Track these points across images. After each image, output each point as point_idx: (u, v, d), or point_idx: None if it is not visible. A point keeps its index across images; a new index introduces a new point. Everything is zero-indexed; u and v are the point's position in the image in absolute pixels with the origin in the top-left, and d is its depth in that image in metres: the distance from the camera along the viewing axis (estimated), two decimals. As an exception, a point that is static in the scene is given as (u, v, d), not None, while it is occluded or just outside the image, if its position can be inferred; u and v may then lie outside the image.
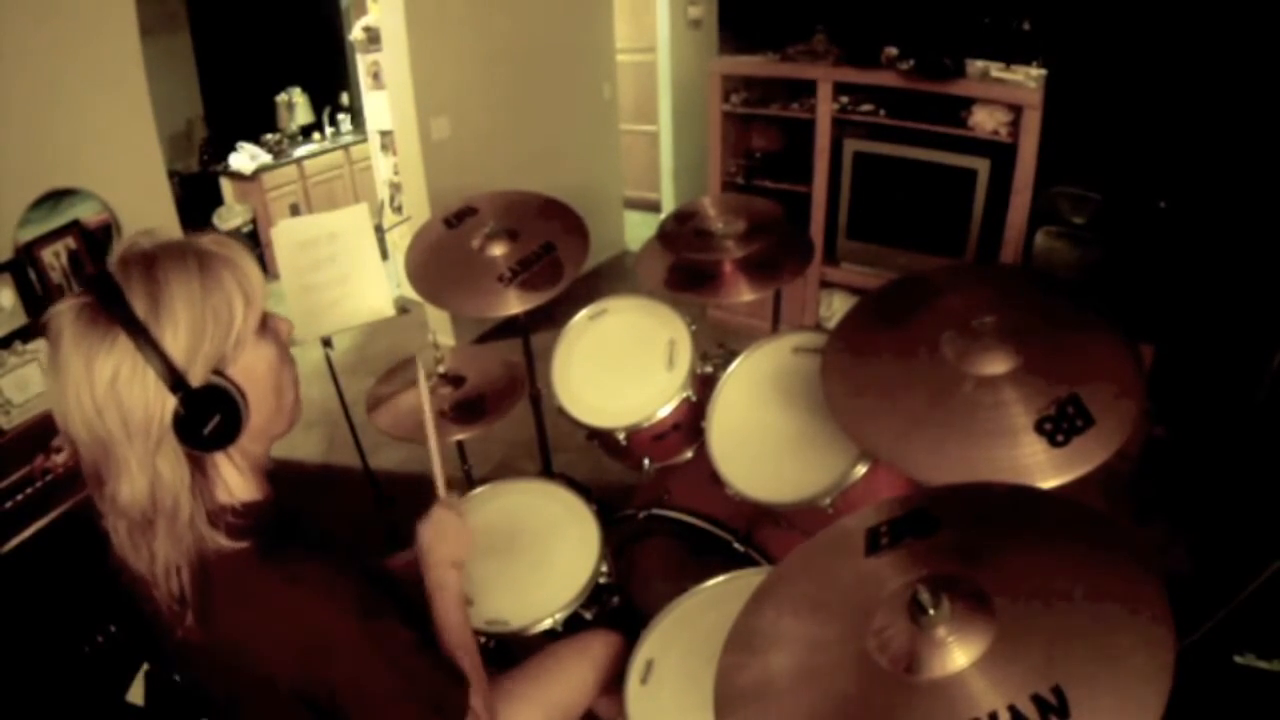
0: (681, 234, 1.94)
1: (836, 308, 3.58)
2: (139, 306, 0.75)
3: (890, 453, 1.20)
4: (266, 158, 4.79)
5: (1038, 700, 0.67)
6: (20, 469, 1.88)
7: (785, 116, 3.47)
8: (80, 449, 0.79)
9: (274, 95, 5.06)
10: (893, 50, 3.09)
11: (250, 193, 4.76)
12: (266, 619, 0.84)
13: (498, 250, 1.86)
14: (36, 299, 2.05)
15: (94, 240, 2.21)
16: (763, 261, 1.90)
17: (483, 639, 1.29)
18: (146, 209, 2.33)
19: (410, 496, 1.20)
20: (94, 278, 0.78)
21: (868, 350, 1.34)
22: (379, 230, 2.33)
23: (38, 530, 1.78)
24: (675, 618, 1.27)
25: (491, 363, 2.03)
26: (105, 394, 0.75)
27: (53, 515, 1.81)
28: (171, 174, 3.42)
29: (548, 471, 2.26)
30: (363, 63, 4.08)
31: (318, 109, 5.22)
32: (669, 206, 5.16)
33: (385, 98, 3.63)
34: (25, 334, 2.01)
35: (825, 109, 3.24)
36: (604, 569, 1.39)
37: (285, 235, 2.12)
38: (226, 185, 4.81)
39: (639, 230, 4.95)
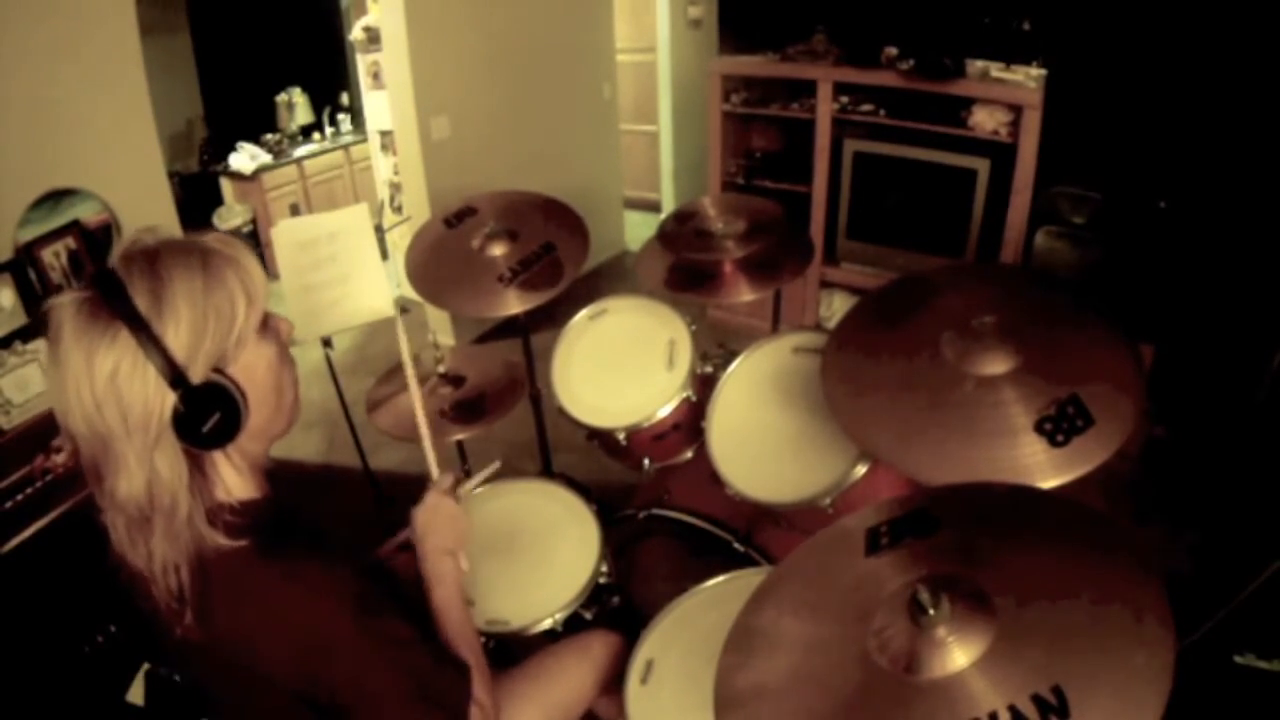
0: (681, 234, 1.94)
1: (836, 308, 3.58)
2: (141, 302, 0.76)
3: (890, 453, 1.20)
4: (266, 158, 4.79)
5: (1038, 700, 0.67)
6: (20, 469, 1.88)
7: (785, 116, 3.47)
8: (79, 444, 0.79)
9: (274, 95, 5.07)
10: (893, 50, 3.09)
11: (250, 193, 4.76)
12: (265, 617, 0.84)
13: (498, 250, 1.86)
14: (36, 299, 2.05)
15: (94, 240, 2.21)
16: (763, 261, 1.90)
17: (483, 639, 1.29)
18: (146, 209, 2.33)
19: (410, 496, 1.20)
20: (96, 273, 0.78)
21: (867, 350, 1.34)
22: (379, 230, 2.33)
23: (38, 530, 1.78)
24: (675, 618, 1.27)
25: (491, 363, 2.04)
26: (105, 389, 0.75)
27: (53, 515, 1.81)
28: (171, 174, 3.42)
29: (548, 471, 2.26)
30: (363, 63, 4.08)
31: (318, 109, 5.22)
32: (669, 206, 5.16)
33: (385, 98, 3.63)
34: (25, 334, 2.01)
35: (825, 109, 3.24)
36: (604, 569, 1.39)
37: (285, 235, 2.12)
38: (226, 185, 4.81)
39: (639, 230, 4.95)
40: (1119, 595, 0.73)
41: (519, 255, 1.85)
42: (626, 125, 5.02)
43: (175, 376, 0.77)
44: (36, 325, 2.01)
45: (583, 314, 1.83)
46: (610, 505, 1.68)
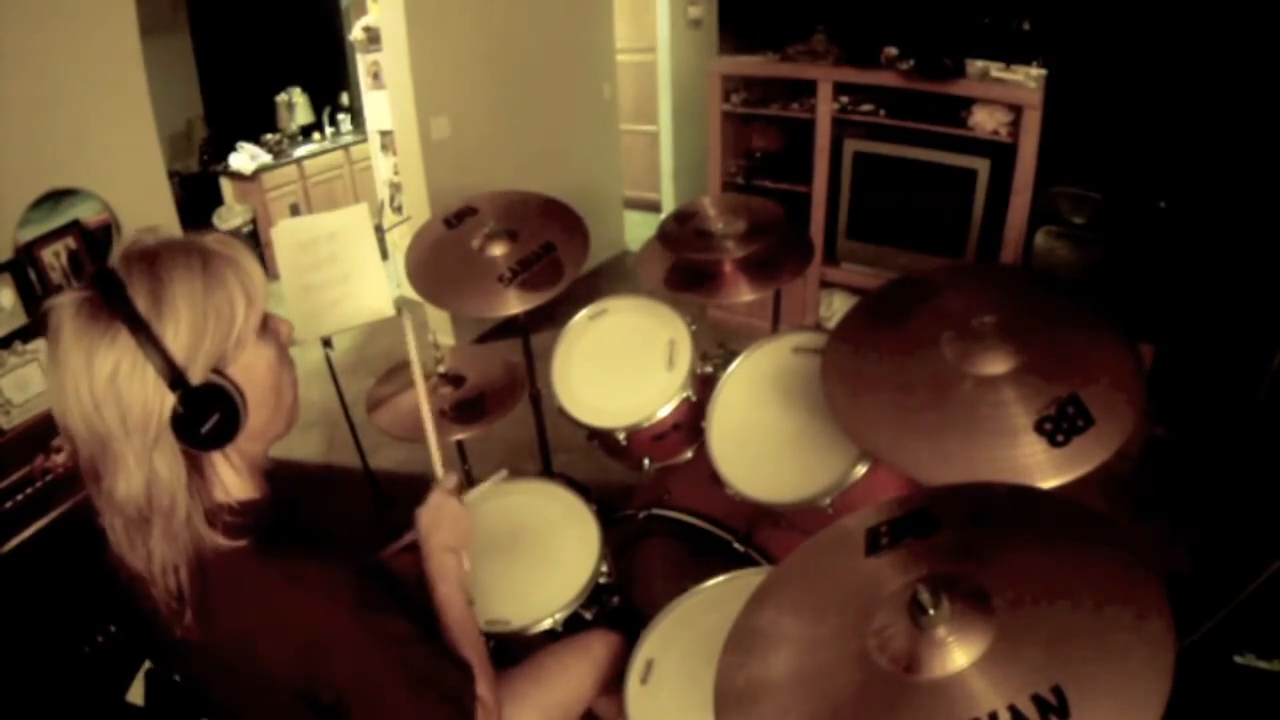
0: (681, 234, 1.94)
1: (836, 308, 3.58)
2: (141, 302, 0.76)
3: (890, 453, 1.20)
4: (266, 158, 4.79)
5: (1038, 700, 0.67)
6: (20, 469, 1.88)
7: (785, 116, 3.47)
8: (78, 444, 0.79)
9: (274, 95, 5.07)
10: (893, 50, 3.09)
11: (250, 193, 4.76)
12: (265, 617, 0.84)
13: (498, 250, 1.86)
14: (36, 299, 2.05)
15: (94, 240, 2.21)
16: (763, 261, 1.90)
17: (483, 639, 1.29)
18: (146, 209, 2.33)
19: (410, 496, 1.20)
20: (96, 273, 0.78)
21: (868, 350, 1.34)
22: (379, 230, 2.33)
23: (38, 530, 1.78)
24: (675, 618, 1.27)
25: (491, 363, 2.04)
26: (104, 389, 0.75)
27: (53, 515, 1.81)
28: (171, 174, 3.42)
29: (548, 471, 2.26)
30: (363, 63, 4.08)
31: (318, 109, 5.22)
32: (669, 206, 5.16)
33: (385, 98, 3.63)
34: (25, 334, 2.01)
35: (825, 109, 3.24)
36: (604, 569, 1.39)
37: (285, 235, 2.11)
38: (226, 185, 4.81)
39: (639, 230, 4.96)
40: (1119, 595, 0.73)
41: (519, 255, 1.85)
42: (626, 125, 5.02)
43: (174, 377, 0.77)
44: (36, 325, 2.01)
45: (583, 314, 1.83)
46: (610, 505, 1.68)
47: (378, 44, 3.55)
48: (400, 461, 2.85)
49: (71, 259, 2.15)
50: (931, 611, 0.74)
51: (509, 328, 2.69)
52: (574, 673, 1.23)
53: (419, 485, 1.21)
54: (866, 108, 3.18)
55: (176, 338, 0.77)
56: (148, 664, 1.69)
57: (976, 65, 2.97)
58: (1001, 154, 2.93)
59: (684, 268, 1.96)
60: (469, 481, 2.08)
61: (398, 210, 4.10)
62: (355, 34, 4.03)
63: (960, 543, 0.86)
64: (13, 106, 2.00)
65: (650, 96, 5.07)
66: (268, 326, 0.87)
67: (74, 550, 1.58)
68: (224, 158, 4.74)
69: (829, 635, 0.85)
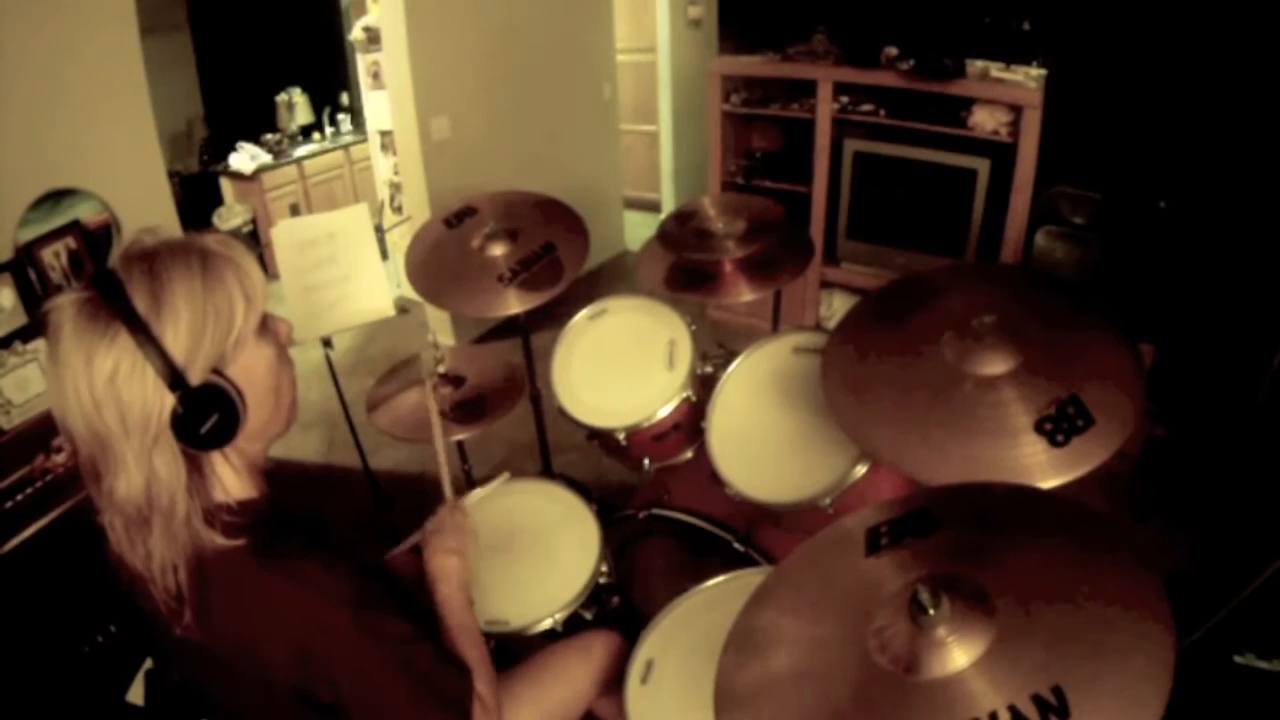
0: (681, 234, 1.94)
1: (836, 308, 3.58)
2: (140, 303, 0.76)
3: (890, 453, 1.20)
4: (266, 158, 4.79)
5: (1038, 700, 0.67)
6: (20, 469, 1.88)
7: (785, 116, 3.47)
8: (78, 444, 0.79)
9: (274, 95, 5.06)
10: (893, 50, 3.09)
11: (250, 193, 4.76)
12: (264, 616, 0.84)
13: (498, 250, 1.86)
14: (36, 299, 2.05)
15: (94, 240, 2.21)
16: (763, 261, 1.90)
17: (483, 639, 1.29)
18: (146, 209, 2.33)
19: (410, 496, 1.21)
20: (96, 273, 0.78)
21: (868, 350, 1.34)
22: (379, 230, 2.33)
23: (38, 530, 1.78)
24: (675, 618, 1.27)
25: (491, 363, 2.03)
26: (104, 389, 0.75)
27: (53, 515, 1.81)
28: (171, 174, 3.42)
29: (548, 471, 2.26)
30: (363, 63, 4.08)
31: (318, 109, 5.22)
32: (669, 206, 5.16)
33: (385, 98, 3.63)
34: (25, 334, 2.01)
35: (825, 109, 3.24)
36: (604, 569, 1.39)
37: (285, 235, 2.12)
38: (226, 185, 4.81)
39: (639, 230, 4.95)
40: (1119, 595, 0.73)
41: (519, 255, 1.85)
42: (626, 125, 5.02)
43: (174, 378, 0.77)
44: (36, 325, 2.01)
45: (583, 314, 1.83)
46: (610, 505, 1.68)
47: (378, 44, 3.55)
48: (400, 461, 2.85)
49: (71, 259, 2.15)
50: (931, 611, 0.74)
51: (509, 328, 2.69)
52: (574, 673, 1.23)
53: (419, 485, 1.21)
54: (866, 108, 3.18)
55: (176, 338, 0.77)
56: (148, 664, 1.70)
57: (976, 65, 2.97)
58: (1001, 154, 2.93)
59: (684, 268, 1.96)
60: (469, 482, 2.08)
61: (398, 210, 4.10)
62: (355, 34, 4.03)
63: (960, 543, 0.86)
64: (13, 106, 2.00)
65: (650, 96, 5.07)
66: (267, 326, 0.87)
67: (74, 550, 1.58)
68: (224, 158, 4.74)
69: (829, 635, 0.85)
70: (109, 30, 2.21)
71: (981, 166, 2.96)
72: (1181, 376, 2.66)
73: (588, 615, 1.37)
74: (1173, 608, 0.69)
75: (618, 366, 1.75)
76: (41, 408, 1.98)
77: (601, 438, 1.72)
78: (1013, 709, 0.68)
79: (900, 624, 0.77)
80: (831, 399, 1.29)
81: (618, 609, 1.41)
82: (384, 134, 4.07)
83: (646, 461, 1.72)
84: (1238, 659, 1.65)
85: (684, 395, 1.63)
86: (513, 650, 1.32)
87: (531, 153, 3.94)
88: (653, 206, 5.40)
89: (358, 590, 0.87)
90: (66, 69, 2.11)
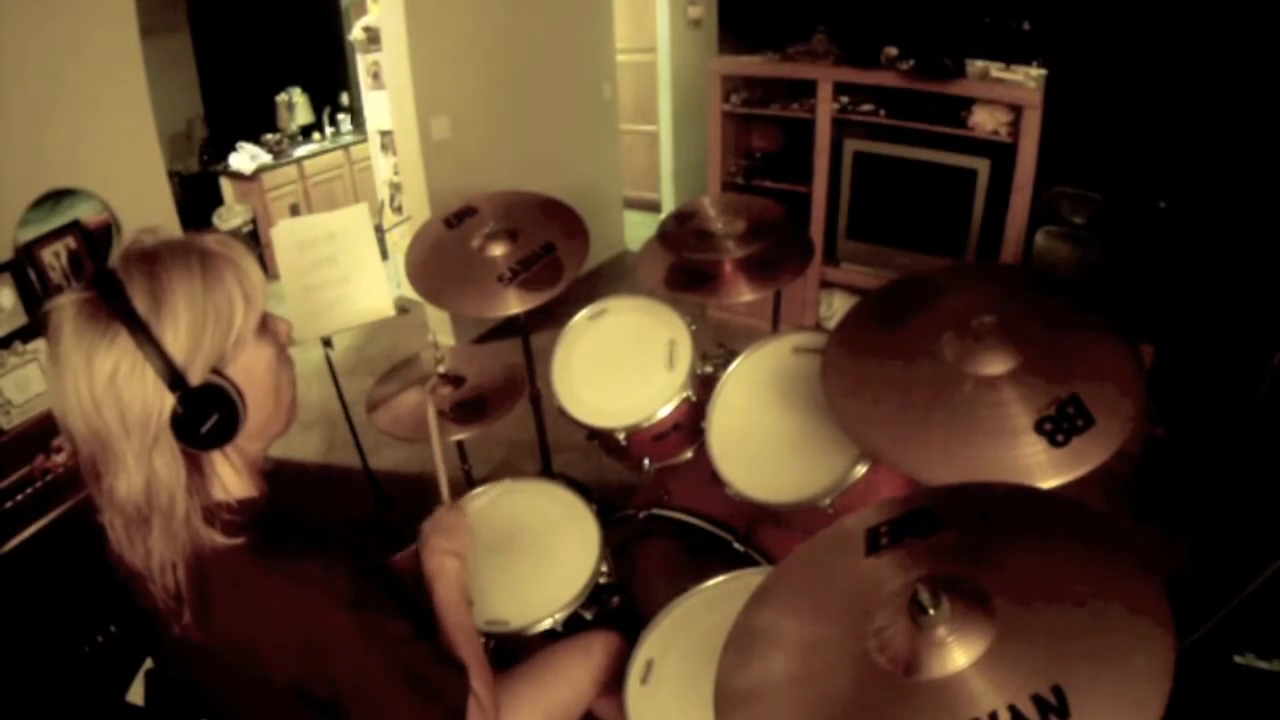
0: (681, 234, 1.94)
1: (836, 308, 3.58)
2: (140, 304, 0.76)
3: (890, 453, 1.20)
4: (266, 158, 4.79)
5: (1038, 700, 0.67)
6: (20, 469, 1.88)
7: (785, 116, 3.47)
8: (78, 443, 0.79)
9: (274, 95, 5.06)
10: (893, 50, 3.09)
11: (250, 193, 4.76)
12: (262, 615, 0.84)
13: (498, 250, 1.86)
14: (36, 299, 2.05)
15: (94, 240, 2.21)
16: (763, 261, 1.90)
17: (483, 639, 1.29)
18: (146, 209, 2.33)
19: (410, 496, 1.21)
20: (96, 274, 0.78)
21: (868, 350, 1.34)
22: (379, 230, 2.33)
23: (38, 530, 1.78)
24: (675, 618, 1.27)
25: (491, 363, 2.03)
26: (104, 389, 0.75)
27: (53, 515, 1.81)
28: (171, 174, 3.42)
29: (548, 471, 2.26)
30: (363, 63, 4.08)
31: (318, 109, 5.22)
32: (669, 206, 5.16)
33: (385, 98, 3.63)
34: (25, 334, 2.01)
35: (825, 109, 3.24)
36: (604, 569, 1.39)
37: (285, 235, 2.12)
38: (226, 185, 4.81)
39: (639, 230, 4.96)
40: (1119, 595, 0.73)
41: (519, 255, 1.85)
42: (626, 125, 5.02)
43: (174, 378, 0.77)
44: (36, 325, 2.01)
45: (583, 314, 1.83)
46: (610, 505, 1.68)
47: (378, 44, 3.55)
48: (400, 461, 2.86)
49: (71, 259, 2.15)
50: (931, 611, 0.74)
51: (509, 328, 2.69)
52: (574, 673, 1.23)
53: (419, 485, 1.22)
54: (866, 108, 3.18)
55: (176, 339, 0.77)
56: (148, 664, 1.70)
57: (976, 65, 2.97)
58: (1001, 154, 2.93)
59: (684, 268, 1.96)
60: (468, 482, 2.08)
61: (398, 210, 4.10)
62: (355, 34, 4.03)
63: (960, 543, 0.86)
64: (13, 106, 2.00)
65: (650, 96, 5.07)
66: (266, 326, 0.87)
67: (74, 550, 1.58)
68: (224, 158, 4.74)
69: (829, 635, 0.85)
70: (109, 30, 2.21)
71: (981, 166, 2.96)
72: (1181, 376, 2.66)
73: (588, 615, 1.36)
74: (1173, 608, 0.69)
75: (618, 366, 1.75)
76: (41, 408, 1.98)
77: (601, 438, 1.72)
78: (1013, 709, 0.68)
79: (900, 624, 0.77)
80: (831, 399, 1.29)
81: (618, 609, 1.41)
82: (384, 134, 4.07)
83: (646, 461, 1.72)
84: (1238, 659, 1.65)
85: (684, 395, 1.63)
86: (513, 650, 1.32)
87: (531, 153, 3.94)
88: (653, 206, 5.40)
89: (357, 590, 0.87)
90: (66, 69, 2.11)
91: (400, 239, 3.99)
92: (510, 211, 1.96)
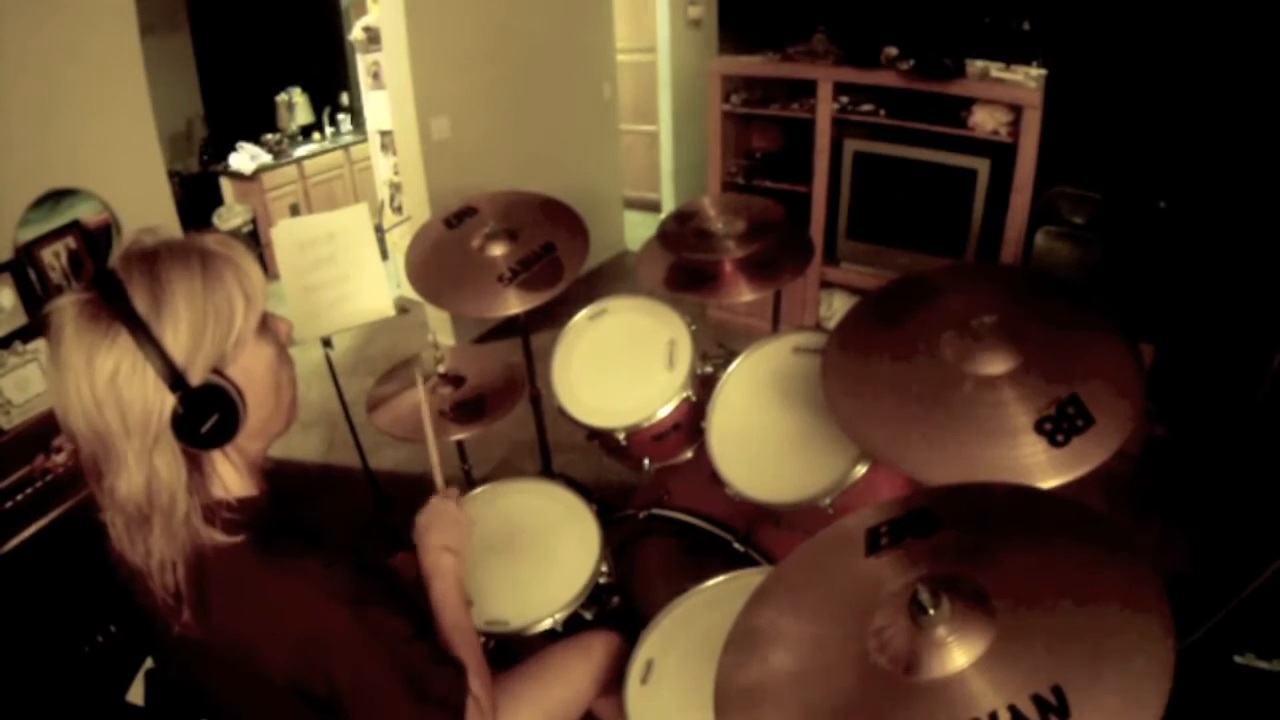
0: (681, 234, 1.94)
1: (836, 308, 3.58)
2: (140, 304, 0.76)
3: (890, 453, 1.20)
4: (266, 158, 4.79)
5: (1038, 700, 0.67)
6: (20, 469, 1.88)
7: (785, 116, 3.47)
8: (80, 443, 0.79)
9: (274, 95, 5.06)
10: (893, 50, 3.09)
11: (250, 193, 4.76)
12: (262, 613, 0.84)
13: (498, 250, 1.86)
14: (36, 299, 2.05)
15: (94, 240, 2.21)
16: (763, 261, 1.90)
17: (483, 639, 1.29)
18: (146, 209, 2.33)
19: (410, 496, 1.20)
20: (97, 274, 0.78)
21: (868, 350, 1.34)
22: (379, 230, 2.33)
23: (38, 530, 1.78)
24: (675, 618, 1.27)
25: (491, 363, 2.03)
26: (105, 389, 0.75)
27: (53, 515, 1.81)
28: (171, 174, 3.42)
29: (548, 471, 2.26)
30: (363, 63, 4.08)
31: (318, 109, 5.22)
32: (669, 206, 5.16)
33: (385, 98, 3.63)
34: (25, 334, 2.01)
35: (825, 109, 3.24)
36: (604, 569, 1.39)
37: (285, 235, 2.12)
38: (226, 185, 4.81)
39: (639, 230, 4.96)
40: (1119, 595, 0.73)
41: (519, 255, 1.85)
42: (626, 125, 5.02)
43: (174, 378, 0.77)
44: (36, 325, 2.01)
45: (583, 314, 1.83)
46: (610, 505, 1.68)
47: (378, 44, 3.55)
48: (400, 461, 2.86)
49: (71, 259, 2.15)
50: (931, 611, 0.74)
51: (509, 328, 2.69)
52: (574, 673, 1.23)
53: (419, 485, 1.21)
54: (866, 108, 3.18)
55: (176, 339, 0.77)
56: (148, 664, 1.70)
57: (976, 65, 2.97)
58: (1001, 154, 2.93)
59: (684, 268, 1.96)
60: (469, 482, 2.08)
61: (398, 210, 4.10)
62: (355, 34, 4.03)
63: (960, 543, 0.86)
64: (13, 106, 2.00)
65: (650, 96, 5.07)
66: (267, 326, 0.87)
67: (74, 550, 1.58)
68: (224, 158, 4.74)
69: (829, 635, 0.85)
70: (109, 30, 2.21)
71: (981, 166, 2.96)
72: (1181, 376, 2.66)
73: (588, 615, 1.37)
74: (1173, 608, 0.69)
75: (618, 366, 1.75)
76: (41, 408, 1.98)
77: (601, 438, 1.72)
78: (1013, 709, 0.68)
79: (900, 624, 0.77)
80: (831, 399, 1.29)
81: (618, 609, 1.41)
82: (384, 134, 4.07)
83: (646, 461, 1.72)
84: (1238, 659, 1.65)
85: (684, 395, 1.63)
86: (513, 650, 1.32)
87: (531, 153, 3.94)
88: (653, 206, 5.40)
89: (357, 588, 0.87)
90: (66, 69, 2.10)
91: (400, 239, 3.99)
92: (510, 211, 1.96)
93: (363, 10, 4.08)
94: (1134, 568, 0.75)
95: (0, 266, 2.00)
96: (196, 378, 0.79)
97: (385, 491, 2.51)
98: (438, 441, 1.31)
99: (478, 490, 1.60)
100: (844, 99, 3.23)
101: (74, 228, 2.16)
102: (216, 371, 0.80)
